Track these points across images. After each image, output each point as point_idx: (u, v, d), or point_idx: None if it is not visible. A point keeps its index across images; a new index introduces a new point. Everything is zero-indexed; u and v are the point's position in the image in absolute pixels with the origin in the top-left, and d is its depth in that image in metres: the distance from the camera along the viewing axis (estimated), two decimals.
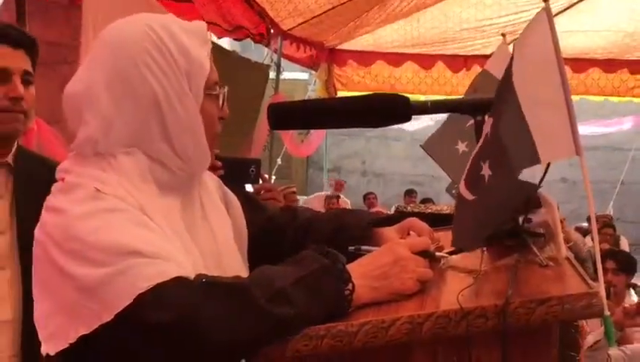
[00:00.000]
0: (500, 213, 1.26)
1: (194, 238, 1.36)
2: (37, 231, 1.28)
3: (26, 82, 2.05)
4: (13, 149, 2.10)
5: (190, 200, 1.41)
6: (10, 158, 2.08)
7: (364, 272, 1.26)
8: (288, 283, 1.17)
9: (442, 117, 3.77)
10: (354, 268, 1.26)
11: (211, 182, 1.54)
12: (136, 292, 1.12)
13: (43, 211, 1.30)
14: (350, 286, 1.22)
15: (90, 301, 1.15)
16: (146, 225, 1.24)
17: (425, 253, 1.33)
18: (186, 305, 1.12)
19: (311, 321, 1.16)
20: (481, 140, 1.32)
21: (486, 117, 1.38)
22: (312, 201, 10.88)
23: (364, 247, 1.41)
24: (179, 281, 1.14)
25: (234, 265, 1.44)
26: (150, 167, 1.33)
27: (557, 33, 1.15)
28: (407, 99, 1.43)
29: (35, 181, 2.07)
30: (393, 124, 1.44)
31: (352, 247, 1.42)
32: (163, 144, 1.33)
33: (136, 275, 1.13)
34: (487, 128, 1.30)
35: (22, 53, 2.05)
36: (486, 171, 1.25)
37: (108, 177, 1.29)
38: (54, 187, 1.33)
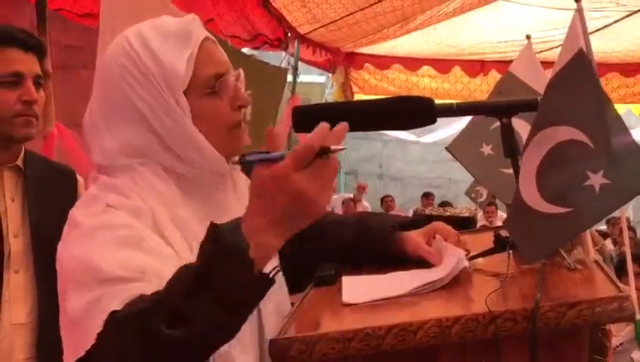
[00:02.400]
0: (611, 209, 1.27)
1: None
2: (59, 245, 1.28)
3: (38, 85, 2.06)
4: (22, 153, 2.10)
5: (219, 203, 1.39)
6: (20, 161, 2.09)
7: (264, 226, 1.08)
8: (185, 294, 1.05)
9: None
10: (250, 225, 1.08)
11: (239, 180, 1.50)
12: (96, 332, 1.09)
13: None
14: (251, 262, 1.06)
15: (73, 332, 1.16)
16: (140, 246, 1.20)
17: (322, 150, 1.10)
18: (108, 348, 1.08)
19: (225, 324, 1.07)
20: (554, 151, 1.29)
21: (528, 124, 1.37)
22: (334, 201, 10.91)
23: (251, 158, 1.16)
24: (110, 320, 1.09)
25: None
26: (167, 173, 1.33)
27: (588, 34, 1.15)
28: (432, 101, 1.42)
29: (45, 185, 2.09)
30: (418, 126, 1.43)
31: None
32: (167, 154, 1.32)
33: (104, 309, 1.10)
34: (562, 137, 1.28)
35: (32, 56, 2.06)
36: (597, 180, 1.23)
37: (127, 187, 1.29)
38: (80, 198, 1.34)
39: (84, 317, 1.12)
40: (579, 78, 1.24)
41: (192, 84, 1.32)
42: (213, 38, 1.40)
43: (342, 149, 1.10)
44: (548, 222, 1.28)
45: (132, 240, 1.20)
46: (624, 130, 1.24)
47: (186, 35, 1.33)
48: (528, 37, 3.21)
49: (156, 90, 1.29)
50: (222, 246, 1.05)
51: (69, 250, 1.21)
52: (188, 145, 1.31)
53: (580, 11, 1.18)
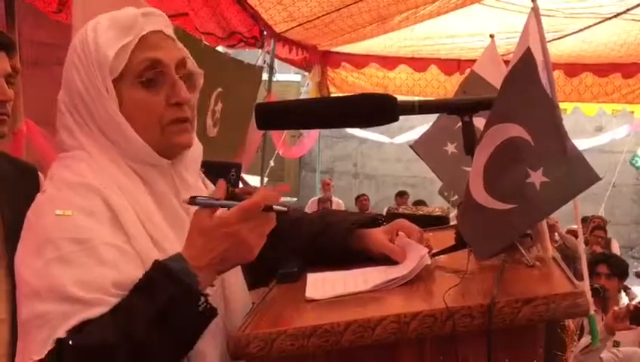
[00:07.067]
0: (554, 207, 1.28)
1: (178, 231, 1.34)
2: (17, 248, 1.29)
3: (9, 84, 2.03)
4: None
5: (167, 195, 1.38)
6: None
7: (206, 265, 1.23)
8: (146, 330, 1.15)
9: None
10: (196, 263, 1.22)
11: (191, 178, 1.47)
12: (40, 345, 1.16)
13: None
14: (202, 299, 1.21)
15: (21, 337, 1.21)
16: (95, 257, 1.22)
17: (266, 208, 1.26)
18: None
19: (180, 354, 1.22)
20: (501, 147, 1.31)
21: (477, 121, 1.38)
22: (308, 205, 10.89)
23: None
24: (72, 347, 1.13)
25: None
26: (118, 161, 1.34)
27: (545, 36, 1.16)
28: (394, 99, 1.42)
29: (9, 182, 2.06)
30: (380, 124, 1.43)
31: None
32: (103, 139, 1.34)
33: (52, 326, 1.16)
34: (509, 134, 1.30)
35: (3, 54, 2.03)
36: (537, 178, 1.25)
37: (85, 178, 1.29)
38: (38, 196, 1.33)
39: (31, 326, 1.17)
40: (525, 77, 1.26)
41: (125, 73, 1.33)
42: (172, 34, 1.40)
43: (285, 211, 1.29)
44: (493, 218, 1.30)
45: (86, 252, 1.21)
46: (565, 133, 1.26)
47: (130, 25, 1.34)
48: (492, 36, 3.24)
49: (92, 75, 1.32)
50: (180, 287, 1.18)
51: (25, 259, 1.24)
52: (115, 132, 1.33)
53: (535, 10, 1.19)
